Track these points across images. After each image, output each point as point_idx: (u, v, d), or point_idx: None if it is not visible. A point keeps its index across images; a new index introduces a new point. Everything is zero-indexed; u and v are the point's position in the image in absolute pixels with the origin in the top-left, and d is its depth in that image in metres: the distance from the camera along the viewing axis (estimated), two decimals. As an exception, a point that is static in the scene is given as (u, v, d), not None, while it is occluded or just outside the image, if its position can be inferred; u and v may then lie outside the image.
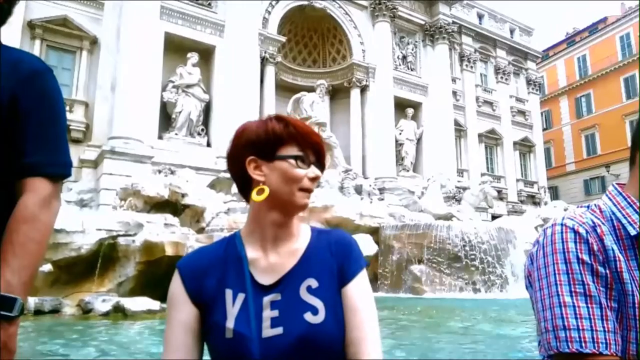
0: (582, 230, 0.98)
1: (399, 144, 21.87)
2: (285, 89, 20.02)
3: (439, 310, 8.69)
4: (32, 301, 7.08)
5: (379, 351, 1.04)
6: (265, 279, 1.08)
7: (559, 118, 38.06)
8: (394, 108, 21.41)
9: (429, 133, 22.89)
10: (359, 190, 15.50)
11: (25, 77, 1.21)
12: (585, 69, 36.80)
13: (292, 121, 1.12)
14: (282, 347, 1.00)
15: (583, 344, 0.90)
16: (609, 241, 0.98)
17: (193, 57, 16.61)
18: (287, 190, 1.09)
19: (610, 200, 1.06)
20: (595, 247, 0.96)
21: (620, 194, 1.05)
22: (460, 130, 25.60)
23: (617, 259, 0.96)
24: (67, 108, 15.20)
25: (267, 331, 1.02)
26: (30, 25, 15.15)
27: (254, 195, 1.09)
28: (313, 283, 1.07)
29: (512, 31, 30.60)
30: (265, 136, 1.09)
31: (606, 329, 0.91)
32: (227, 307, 1.05)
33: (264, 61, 18.63)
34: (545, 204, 24.21)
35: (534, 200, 28.50)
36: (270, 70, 19.01)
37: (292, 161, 1.08)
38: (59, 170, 1.26)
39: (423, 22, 23.75)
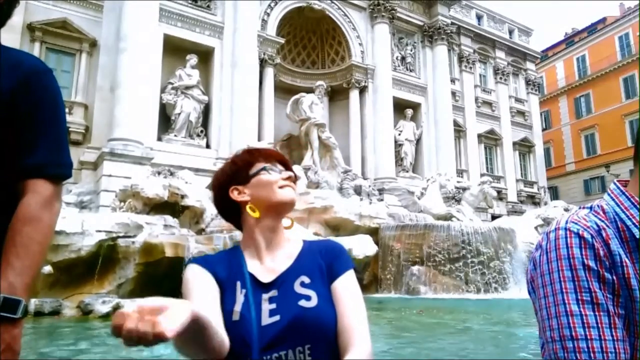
0: (587, 235, 0.94)
1: (398, 145, 21.83)
2: (284, 90, 20.00)
3: (439, 311, 8.69)
4: (32, 303, 7.08)
5: (368, 339, 1.14)
6: (263, 278, 1.21)
7: (558, 118, 38.09)
8: (393, 109, 21.36)
9: (429, 134, 22.86)
10: (358, 190, 15.48)
11: (25, 77, 1.21)
12: (584, 69, 36.84)
13: (255, 147, 1.37)
14: (279, 330, 1.11)
15: (592, 354, 0.87)
16: (615, 245, 0.94)
17: (192, 59, 16.60)
18: (269, 193, 1.27)
19: (613, 200, 1.02)
20: (602, 253, 0.93)
21: (623, 193, 1.01)
22: (459, 131, 25.58)
23: (624, 264, 0.93)
24: (67, 110, 15.18)
25: (266, 320, 1.14)
26: (30, 28, 15.16)
27: (249, 211, 1.26)
28: (305, 279, 1.21)
29: (510, 32, 30.60)
30: (236, 166, 1.32)
31: (615, 338, 0.88)
32: (236, 294, 1.17)
33: (263, 63, 18.61)
34: (545, 204, 24.22)
35: (533, 200, 28.50)
36: (269, 71, 18.99)
37: (263, 172, 1.28)
38: (60, 171, 1.26)
39: (422, 23, 23.74)
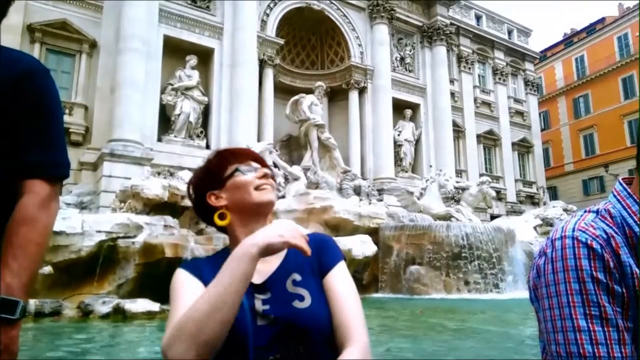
0: (596, 245, 0.89)
1: (397, 145, 21.82)
2: (283, 91, 19.99)
3: (439, 311, 8.69)
4: (32, 303, 7.07)
5: (365, 331, 1.12)
6: (254, 279, 1.17)
7: (557, 118, 38.11)
8: (393, 109, 21.35)
9: (428, 134, 22.86)
10: (357, 191, 15.49)
11: (22, 77, 1.21)
12: (583, 70, 36.85)
13: (225, 149, 1.34)
14: (274, 331, 1.11)
15: None
16: (625, 255, 0.90)
17: (192, 60, 16.60)
18: (245, 195, 1.24)
19: (620, 202, 0.97)
20: (611, 264, 0.88)
21: (631, 196, 0.96)
22: (458, 131, 25.57)
23: (635, 275, 0.89)
24: (67, 111, 15.19)
25: (261, 321, 1.13)
26: (30, 29, 15.15)
27: (217, 220, 1.25)
28: (297, 277, 1.20)
29: (509, 32, 30.59)
30: (208, 171, 1.30)
31: (623, 354, 0.84)
32: None
33: (262, 63, 18.59)
34: (544, 204, 24.26)
35: (532, 200, 28.51)
36: (268, 72, 18.98)
37: (237, 173, 1.25)
38: (57, 172, 1.26)
39: (421, 24, 23.75)
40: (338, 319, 1.13)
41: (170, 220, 10.10)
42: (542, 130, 32.81)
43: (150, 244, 8.73)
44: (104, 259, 8.49)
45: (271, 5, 19.20)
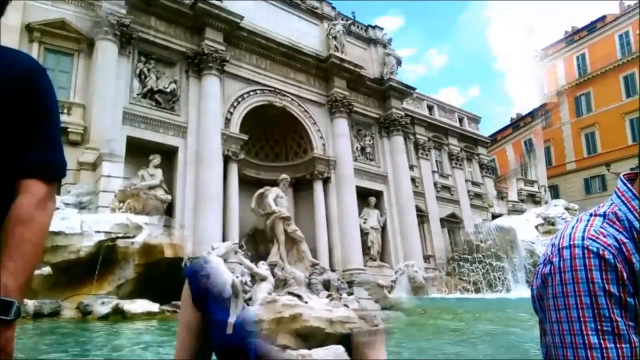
0: (608, 255, 0.85)
1: (364, 233, 21.45)
2: (249, 183, 19.40)
3: (441, 311, 8.67)
4: (31, 304, 7.06)
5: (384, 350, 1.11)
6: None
7: (558, 117, 38.11)
8: (357, 197, 21.19)
9: (392, 220, 22.61)
10: (327, 285, 14.50)
11: (19, 76, 1.19)
12: (584, 68, 36.84)
13: None
14: None
15: None
16: (637, 262, 0.86)
17: (155, 159, 15.51)
18: None
19: (625, 204, 0.94)
20: (625, 275, 0.84)
21: (636, 197, 0.93)
22: (422, 216, 25.08)
23: None
24: (65, 110, 15.14)
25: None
26: (29, 28, 15.12)
27: None
28: None
29: (460, 120, 31.04)
30: None
31: None
32: (230, 309, 1.21)
33: (227, 159, 18.05)
34: (546, 202, 24.23)
35: (534, 199, 28.49)
36: (233, 167, 18.37)
37: None
38: (54, 172, 1.25)
39: (378, 116, 24.19)
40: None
41: (169, 220, 10.09)
42: (543, 128, 32.78)
43: (150, 245, 8.73)
44: (103, 260, 8.48)
45: (235, 104, 19.06)
